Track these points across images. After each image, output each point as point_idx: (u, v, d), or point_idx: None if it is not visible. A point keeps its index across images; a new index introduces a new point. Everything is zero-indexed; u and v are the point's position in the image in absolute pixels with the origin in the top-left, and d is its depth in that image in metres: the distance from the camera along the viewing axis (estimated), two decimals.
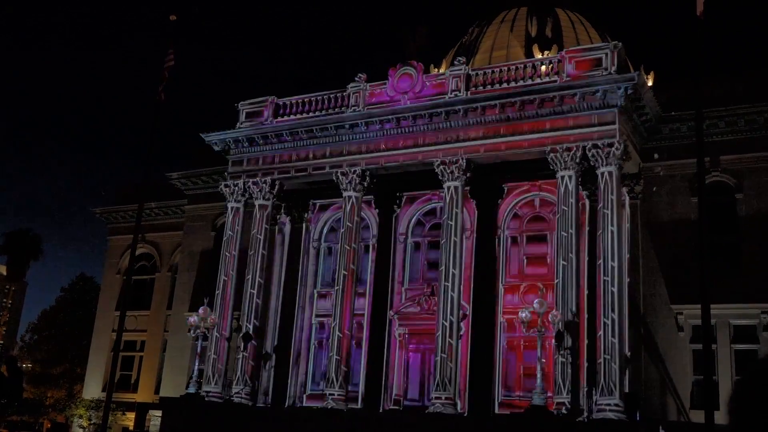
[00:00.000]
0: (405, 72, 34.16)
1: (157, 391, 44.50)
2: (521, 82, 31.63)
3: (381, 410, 33.26)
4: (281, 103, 36.94)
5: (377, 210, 36.61)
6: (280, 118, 36.61)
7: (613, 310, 27.68)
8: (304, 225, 38.77)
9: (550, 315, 27.95)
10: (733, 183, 32.68)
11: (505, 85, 31.91)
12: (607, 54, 30.30)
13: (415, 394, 34.24)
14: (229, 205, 36.82)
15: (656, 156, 33.71)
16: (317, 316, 37.68)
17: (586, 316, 29.80)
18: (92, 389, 49.15)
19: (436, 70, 45.93)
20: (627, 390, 27.96)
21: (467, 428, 29.20)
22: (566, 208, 29.45)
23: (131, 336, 47.01)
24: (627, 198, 32.83)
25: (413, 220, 36.85)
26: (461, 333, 31.52)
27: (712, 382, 27.38)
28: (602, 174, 29.26)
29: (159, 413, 37.17)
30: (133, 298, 43.32)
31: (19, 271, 76.13)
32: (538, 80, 31.38)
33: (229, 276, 35.82)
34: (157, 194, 47.77)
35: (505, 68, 32.62)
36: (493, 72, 32.67)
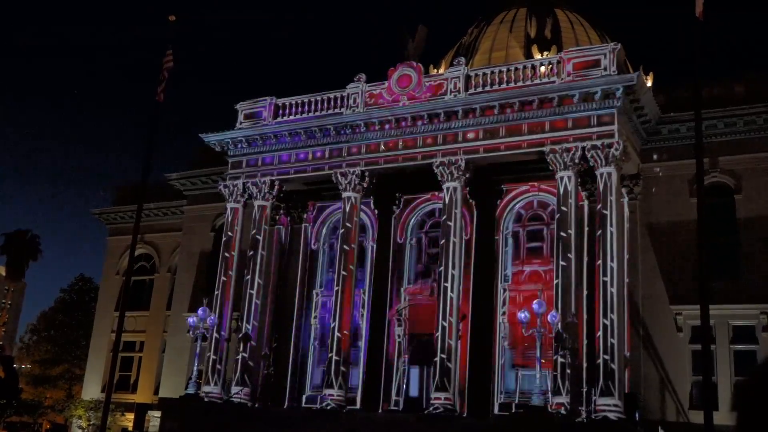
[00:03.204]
0: (404, 73, 34.17)
1: (156, 392, 44.49)
2: (520, 83, 31.64)
3: (380, 411, 33.27)
4: (280, 103, 36.95)
5: (376, 211, 36.61)
6: (279, 119, 36.61)
7: (612, 311, 27.68)
8: (303, 225, 38.77)
9: (549, 315, 27.95)
10: (732, 184, 32.70)
11: (504, 85, 31.92)
12: (606, 55, 30.33)
13: (414, 394, 34.24)
14: (229, 206, 36.82)
15: (655, 157, 33.74)
16: (316, 316, 37.70)
17: (585, 316, 29.80)
18: (91, 390, 49.12)
19: (436, 70, 45.91)
20: (626, 390, 27.99)
21: (466, 429, 29.21)
22: (565, 209, 29.46)
23: (130, 336, 46.98)
24: (626, 199, 32.84)
25: (413, 220, 36.86)
26: (460, 334, 31.53)
27: (711, 383, 27.39)
28: (601, 175, 29.27)
29: (158, 414, 37.19)
30: (132, 299, 43.28)
31: (18, 272, 76.17)
32: (537, 81, 31.39)
33: (229, 276, 35.80)
34: (156, 195, 47.77)
35: (504, 69, 32.63)
36: (492, 73, 32.69)
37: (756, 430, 2.92)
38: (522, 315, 28.79)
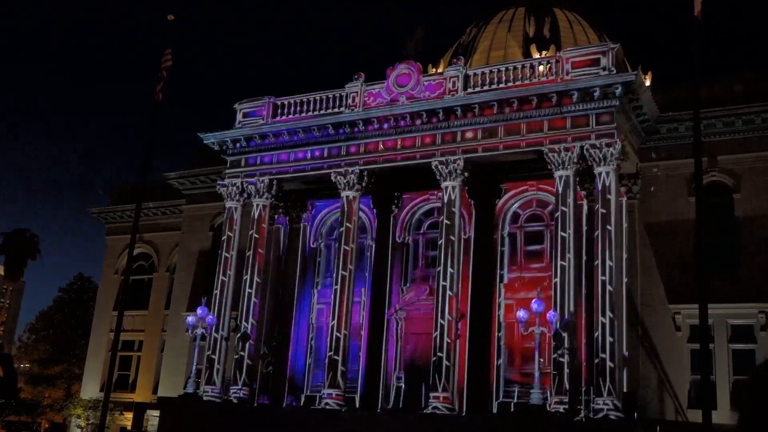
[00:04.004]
0: (403, 72, 34.16)
1: (155, 391, 44.47)
2: (519, 82, 31.64)
3: (379, 410, 33.27)
4: (279, 103, 36.93)
5: (375, 210, 36.60)
6: (278, 118, 36.60)
7: (610, 310, 27.70)
8: (302, 225, 38.76)
9: (548, 315, 27.97)
10: (730, 183, 32.71)
11: (502, 85, 31.91)
12: (604, 54, 30.33)
13: (413, 393, 34.24)
14: (227, 205, 36.82)
15: (654, 156, 33.75)
16: (315, 315, 37.70)
17: (584, 315, 29.84)
18: (90, 389, 49.10)
19: (434, 70, 45.88)
20: (625, 390, 27.99)
21: (465, 428, 29.22)
22: (564, 208, 29.47)
23: (129, 336, 46.96)
24: (625, 198, 32.83)
25: (412, 220, 36.86)
26: (459, 333, 31.53)
27: (710, 382, 27.40)
28: (600, 174, 29.28)
29: (157, 413, 37.17)
30: (131, 298, 43.22)
31: (16, 271, 76.10)
32: (535, 80, 31.39)
33: (227, 276, 35.80)
34: (155, 194, 47.77)
35: (503, 68, 32.62)
36: (491, 72, 32.68)
37: (757, 429, 2.94)
38: (521, 314, 28.79)
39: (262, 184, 35.93)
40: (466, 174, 31.95)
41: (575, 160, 29.73)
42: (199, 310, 33.71)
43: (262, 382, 36.35)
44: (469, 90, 32.46)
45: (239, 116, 37.58)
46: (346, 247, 33.48)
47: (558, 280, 28.80)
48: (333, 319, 32.91)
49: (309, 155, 35.41)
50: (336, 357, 32.12)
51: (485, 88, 32.23)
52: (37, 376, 65.49)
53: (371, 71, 35.28)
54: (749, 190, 32.22)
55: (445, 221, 31.70)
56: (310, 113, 35.82)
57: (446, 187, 31.97)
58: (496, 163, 32.66)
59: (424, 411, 29.73)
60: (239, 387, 33.64)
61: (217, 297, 35.52)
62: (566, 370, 27.56)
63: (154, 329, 47.28)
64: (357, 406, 33.54)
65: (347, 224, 33.77)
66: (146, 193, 40.34)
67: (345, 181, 33.97)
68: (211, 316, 34.01)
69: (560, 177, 29.80)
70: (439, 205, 33.62)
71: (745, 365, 30.30)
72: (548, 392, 28.25)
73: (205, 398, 33.59)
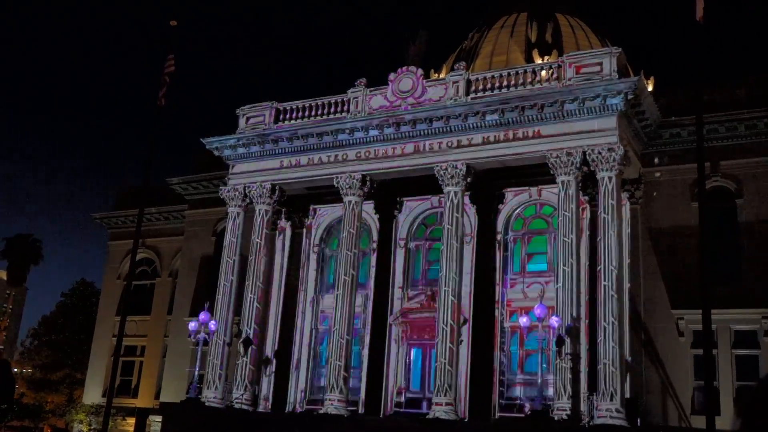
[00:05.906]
0: (405, 77, 34.18)
1: (157, 397, 44.45)
2: (521, 87, 31.64)
3: (382, 415, 33.24)
4: (281, 108, 36.98)
5: (378, 215, 36.61)
6: (280, 123, 36.63)
7: (613, 315, 27.64)
8: (304, 230, 38.78)
9: (550, 320, 27.94)
10: (733, 188, 32.67)
11: (505, 90, 31.91)
12: (607, 59, 30.32)
13: (416, 399, 34.20)
14: (230, 210, 36.85)
15: (656, 161, 33.73)
16: (318, 321, 37.69)
17: (586, 321, 29.77)
18: (92, 394, 49.10)
19: (437, 75, 45.97)
20: (628, 395, 27.92)
21: None
22: (566, 213, 29.44)
23: (131, 341, 46.97)
24: (627, 203, 32.83)
25: (414, 224, 36.86)
26: (461, 338, 31.49)
27: (713, 388, 27.35)
28: (602, 179, 29.26)
29: (159, 418, 37.17)
30: (133, 303, 43.26)
31: (19, 276, 76.20)
32: (538, 85, 31.39)
33: (230, 281, 35.81)
34: (157, 199, 47.82)
35: (505, 73, 32.62)
36: (493, 77, 32.68)
37: None
38: (523, 320, 28.71)
39: (264, 189, 35.95)
40: (468, 179, 31.94)
41: (577, 165, 29.71)
42: (201, 316, 33.72)
43: (265, 387, 36.33)
44: (472, 95, 32.45)
45: (242, 121, 37.63)
46: (348, 252, 33.46)
47: (560, 285, 28.76)
48: (335, 324, 32.87)
49: (311, 160, 35.42)
50: (338, 362, 32.08)
51: (487, 93, 32.22)
52: (40, 381, 65.51)
53: (373, 76, 35.30)
54: (752, 195, 32.18)
55: (447, 226, 31.68)
56: (312, 118, 35.84)
57: (448, 192, 31.96)
58: (499, 168, 32.64)
59: (427, 416, 29.68)
60: (242, 392, 33.62)
61: (220, 302, 35.51)
62: (569, 376, 27.50)
63: (157, 334, 47.28)
64: (360, 411, 33.51)
65: (349, 229, 33.76)
66: (149, 198, 40.43)
67: (347, 186, 33.98)
68: (213, 322, 34.02)
69: (562, 182, 29.78)
70: (441, 210, 33.60)
71: (748, 371, 30.21)
72: (551, 398, 28.18)
73: (207, 404, 33.56)
